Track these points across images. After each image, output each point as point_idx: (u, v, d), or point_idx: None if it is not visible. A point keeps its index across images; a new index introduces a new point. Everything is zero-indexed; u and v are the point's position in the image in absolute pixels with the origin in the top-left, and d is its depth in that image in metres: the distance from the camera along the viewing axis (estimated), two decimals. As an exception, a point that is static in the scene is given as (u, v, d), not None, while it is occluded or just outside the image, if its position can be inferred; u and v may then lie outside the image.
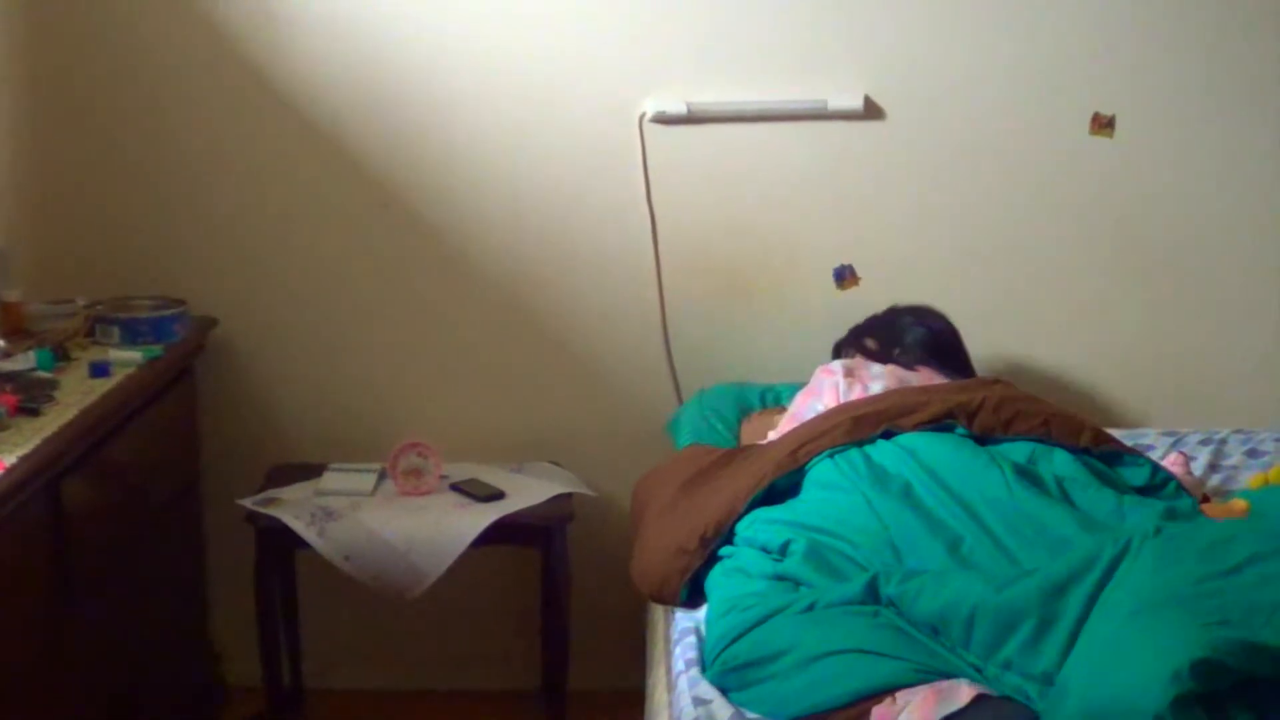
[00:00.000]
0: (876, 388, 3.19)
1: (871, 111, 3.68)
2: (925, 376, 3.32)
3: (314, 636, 3.89)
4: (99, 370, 3.10)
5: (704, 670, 2.53)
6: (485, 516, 3.44)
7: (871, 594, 2.48)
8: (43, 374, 3.02)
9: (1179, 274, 3.80)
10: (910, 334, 3.44)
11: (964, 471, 2.74)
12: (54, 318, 3.32)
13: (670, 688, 2.51)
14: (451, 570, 3.40)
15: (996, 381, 3.24)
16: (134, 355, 3.22)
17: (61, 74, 3.64)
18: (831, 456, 2.85)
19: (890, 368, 3.32)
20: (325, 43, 3.63)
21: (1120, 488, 2.82)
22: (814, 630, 2.43)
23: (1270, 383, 3.83)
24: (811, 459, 2.88)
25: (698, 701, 2.44)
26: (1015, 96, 3.69)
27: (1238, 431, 3.64)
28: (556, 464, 3.79)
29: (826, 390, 3.24)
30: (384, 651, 3.97)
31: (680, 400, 3.75)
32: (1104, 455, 2.93)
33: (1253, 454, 3.52)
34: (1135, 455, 2.97)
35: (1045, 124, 3.71)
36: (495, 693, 3.91)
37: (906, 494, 2.72)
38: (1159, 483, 2.89)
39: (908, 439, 2.87)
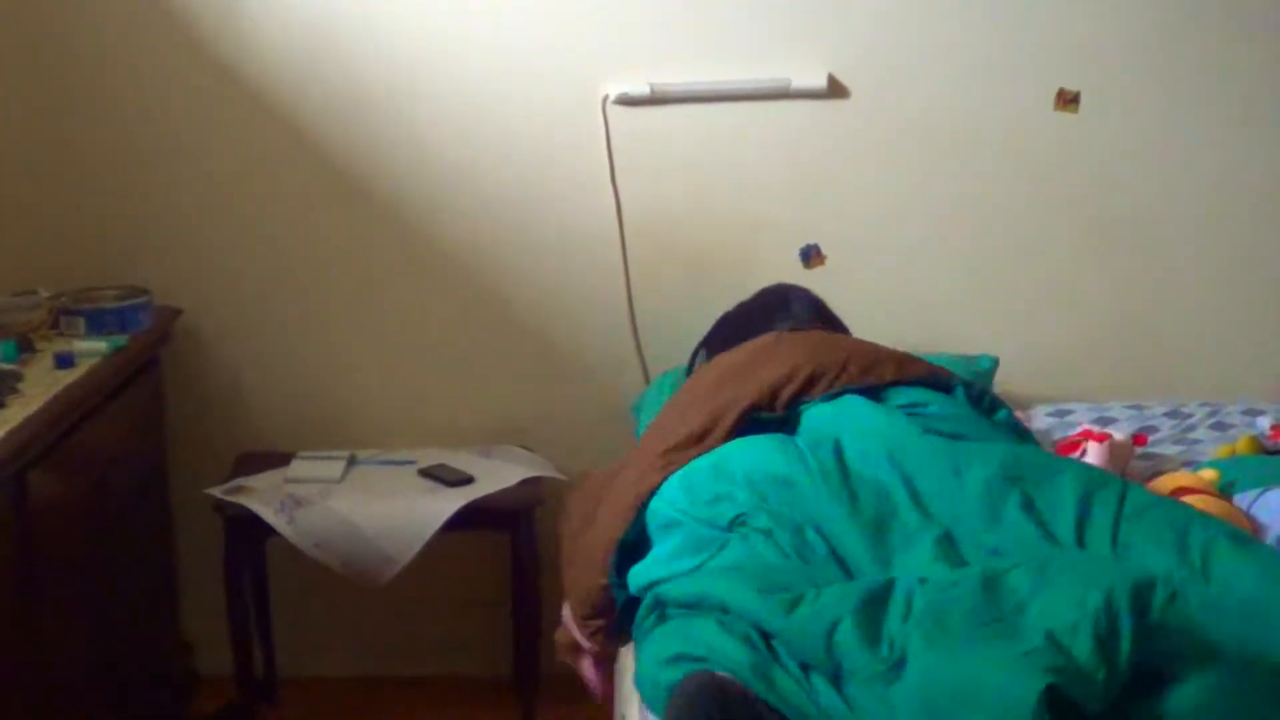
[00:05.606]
0: None
1: (835, 90, 3.68)
2: None
3: (285, 625, 3.88)
4: (64, 361, 3.09)
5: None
6: (454, 501, 3.44)
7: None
8: (7, 366, 3.01)
9: (1144, 249, 3.81)
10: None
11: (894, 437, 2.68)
12: (18, 309, 3.30)
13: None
14: (421, 556, 3.40)
15: (813, 331, 3.16)
16: (99, 346, 3.21)
17: (23, 65, 3.61)
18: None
19: None
20: (287, 30, 3.61)
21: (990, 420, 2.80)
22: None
23: (1235, 356, 3.85)
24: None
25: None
26: (979, 73, 3.70)
27: (1204, 404, 3.66)
28: (525, 448, 3.79)
29: None
30: (355, 638, 3.97)
31: (648, 381, 3.75)
32: (926, 382, 2.86)
33: (1218, 427, 3.52)
34: (942, 376, 2.89)
35: (1009, 101, 3.72)
36: (467, 678, 3.92)
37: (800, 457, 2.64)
38: (976, 398, 2.85)
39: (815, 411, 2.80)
